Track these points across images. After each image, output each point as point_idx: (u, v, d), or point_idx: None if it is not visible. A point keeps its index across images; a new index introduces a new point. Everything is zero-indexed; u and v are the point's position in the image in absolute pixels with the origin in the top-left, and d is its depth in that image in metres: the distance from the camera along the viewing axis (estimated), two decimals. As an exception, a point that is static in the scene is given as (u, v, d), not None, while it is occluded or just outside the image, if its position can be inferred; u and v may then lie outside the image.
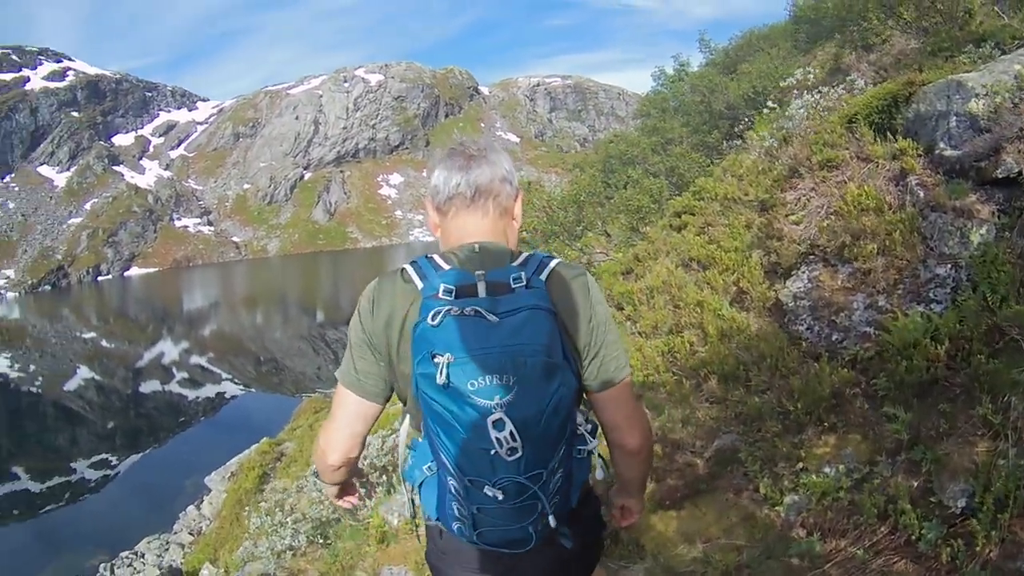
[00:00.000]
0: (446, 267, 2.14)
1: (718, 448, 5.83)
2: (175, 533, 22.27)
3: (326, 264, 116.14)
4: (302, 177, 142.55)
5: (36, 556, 26.15)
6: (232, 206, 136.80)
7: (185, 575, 16.62)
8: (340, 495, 2.73)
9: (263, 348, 62.94)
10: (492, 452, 1.91)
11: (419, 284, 2.10)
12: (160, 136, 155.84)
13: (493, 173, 2.32)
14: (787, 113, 10.43)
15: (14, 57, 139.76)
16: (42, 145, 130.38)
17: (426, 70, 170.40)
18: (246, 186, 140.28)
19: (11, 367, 62.67)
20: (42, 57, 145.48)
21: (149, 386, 52.57)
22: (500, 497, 1.98)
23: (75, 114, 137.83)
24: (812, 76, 12.96)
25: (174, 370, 56.53)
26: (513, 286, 2.04)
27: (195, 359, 59.76)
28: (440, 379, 1.88)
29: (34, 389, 56.40)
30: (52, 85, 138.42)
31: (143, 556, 21.37)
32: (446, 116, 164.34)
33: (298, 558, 9.75)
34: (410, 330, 2.04)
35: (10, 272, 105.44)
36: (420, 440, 2.28)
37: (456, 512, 2.11)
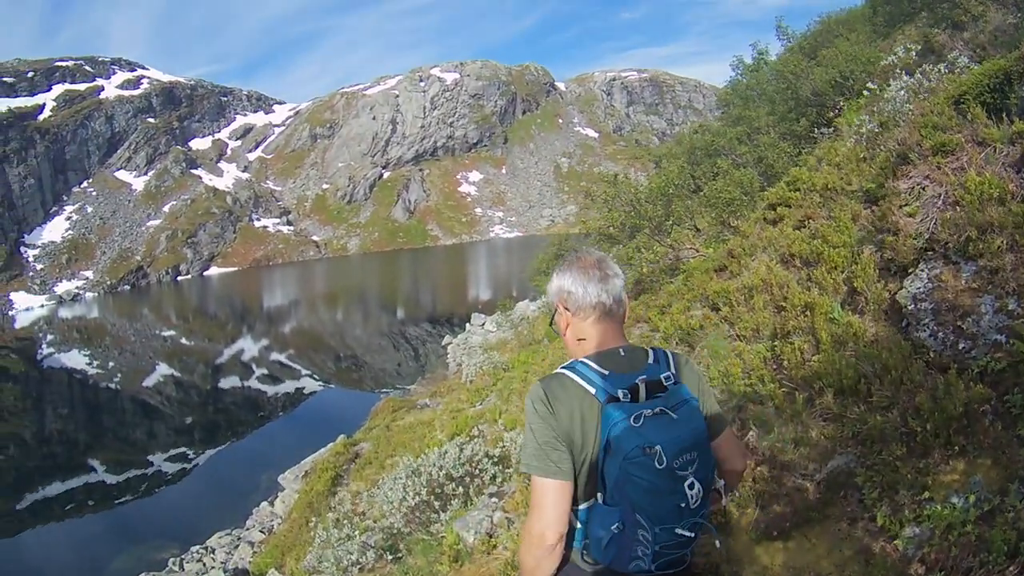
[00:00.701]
0: (604, 372, 2.77)
1: (831, 471, 5.28)
2: (247, 529, 22.71)
3: (406, 261, 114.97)
4: (381, 176, 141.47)
5: (108, 547, 26.32)
6: (311, 206, 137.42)
7: (253, 575, 16.52)
8: None
9: (343, 345, 62.35)
10: (683, 505, 2.63)
11: (591, 389, 2.74)
12: (237, 139, 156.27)
13: (621, 284, 2.98)
14: (886, 96, 10.11)
15: (87, 68, 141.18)
16: (119, 151, 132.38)
17: (501, 67, 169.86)
18: (325, 186, 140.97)
19: (90, 364, 63.05)
20: (115, 67, 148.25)
21: (228, 382, 52.62)
22: (687, 535, 2.68)
23: (151, 120, 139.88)
24: (913, 55, 12.07)
25: (253, 366, 56.31)
26: (665, 384, 2.76)
27: (275, 355, 59.29)
28: (660, 464, 2.56)
29: (112, 385, 56.65)
30: (127, 93, 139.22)
31: (213, 552, 21.85)
32: (523, 113, 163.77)
33: (365, 574, 9.56)
34: (592, 423, 2.71)
35: (89, 273, 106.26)
36: (585, 506, 2.82)
37: (639, 553, 2.70)
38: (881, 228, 7.01)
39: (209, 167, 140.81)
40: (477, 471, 10.52)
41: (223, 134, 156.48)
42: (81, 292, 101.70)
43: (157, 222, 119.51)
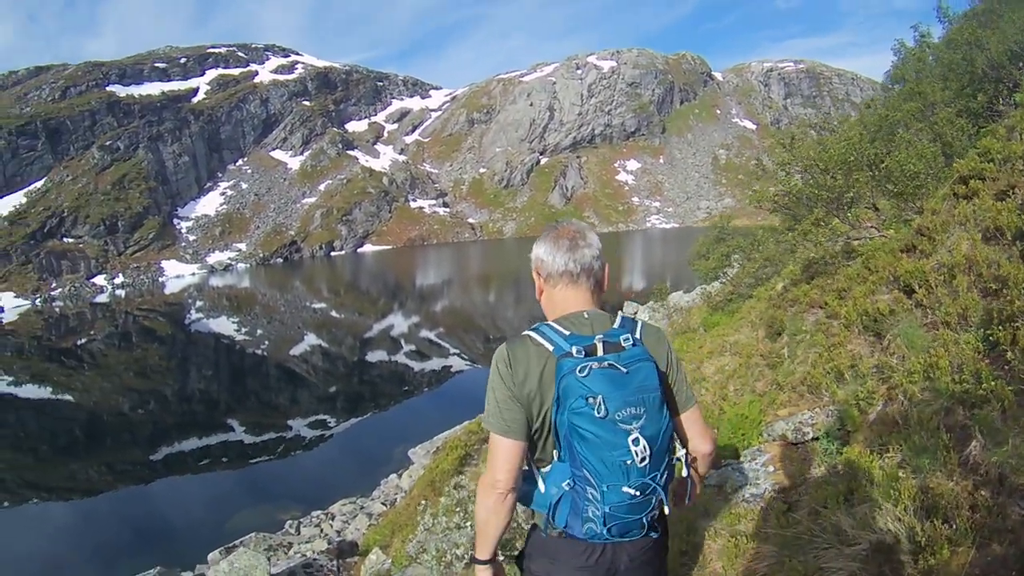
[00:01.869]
0: (566, 332, 2.86)
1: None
2: (371, 499, 22.63)
3: None
4: (538, 162, 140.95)
5: (235, 503, 26.94)
6: (468, 189, 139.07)
7: (359, 551, 15.11)
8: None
9: (493, 326, 61.49)
10: (628, 462, 2.67)
11: (549, 347, 2.81)
12: (394, 123, 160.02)
13: (592, 253, 3.01)
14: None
15: (240, 54, 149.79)
16: (274, 131, 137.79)
17: (658, 56, 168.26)
18: (482, 170, 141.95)
19: (237, 330, 64.97)
20: (269, 52, 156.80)
21: (375, 355, 52.42)
22: (635, 494, 2.71)
23: (306, 103, 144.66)
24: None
25: (402, 342, 56.06)
26: (623, 345, 2.80)
27: (424, 332, 59.47)
28: (599, 413, 2.63)
29: (259, 351, 57.78)
30: (281, 77, 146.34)
31: (332, 519, 21.82)
32: (681, 103, 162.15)
33: (470, 570, 7.92)
34: (551, 381, 2.78)
35: (242, 245, 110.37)
36: (548, 468, 2.95)
37: (590, 514, 2.77)
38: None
39: (365, 148, 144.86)
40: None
41: (379, 117, 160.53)
42: (233, 263, 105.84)
43: (312, 199, 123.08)
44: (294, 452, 33.58)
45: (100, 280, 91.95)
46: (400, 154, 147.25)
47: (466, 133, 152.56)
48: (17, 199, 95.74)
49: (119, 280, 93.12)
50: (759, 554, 4.85)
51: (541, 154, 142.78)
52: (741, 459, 6.73)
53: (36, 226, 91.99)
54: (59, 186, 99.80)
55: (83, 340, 65.66)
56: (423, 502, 14.73)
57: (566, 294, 3.00)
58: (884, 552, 3.92)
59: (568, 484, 2.80)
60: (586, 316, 2.92)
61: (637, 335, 2.89)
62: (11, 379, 51.95)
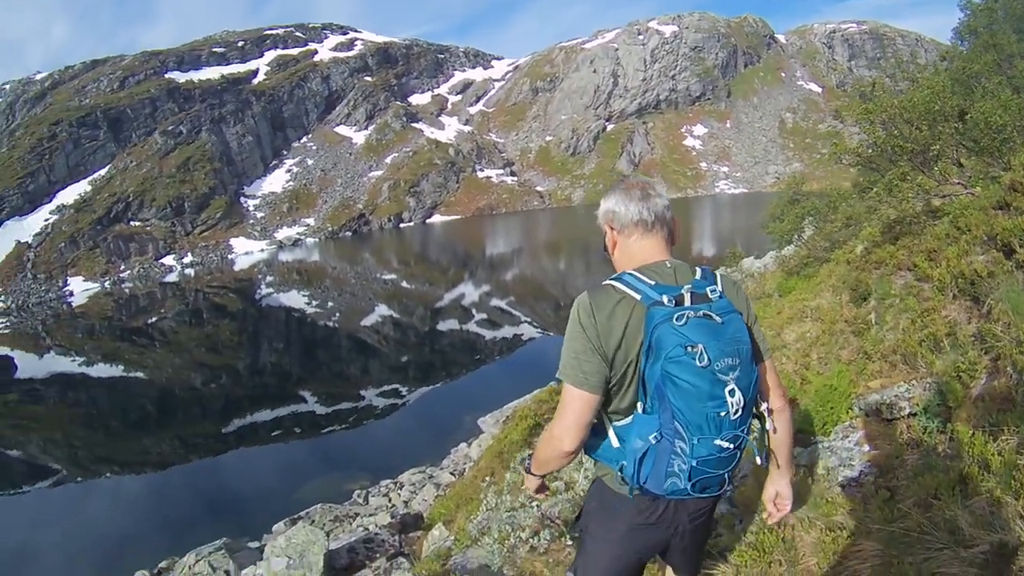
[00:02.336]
0: (651, 282, 2.79)
1: None
2: (440, 469, 22.52)
3: None
4: (604, 129, 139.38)
5: (305, 473, 27.52)
6: (535, 157, 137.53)
7: (423, 524, 14.62)
8: (541, 489, 3.42)
9: (564, 294, 61.03)
10: (722, 413, 2.62)
11: (636, 296, 2.74)
12: (457, 94, 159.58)
13: (663, 203, 3.01)
14: None
15: (298, 34, 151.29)
16: (337, 108, 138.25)
17: (720, 19, 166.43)
18: (548, 138, 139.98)
19: (308, 303, 66.03)
20: (327, 31, 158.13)
21: (446, 325, 53.70)
22: (726, 447, 2.67)
23: (368, 79, 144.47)
24: None
25: (473, 311, 57.14)
26: (710, 296, 2.77)
27: (495, 301, 60.03)
28: (701, 362, 2.56)
29: (330, 323, 59.05)
30: (341, 55, 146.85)
31: (401, 488, 21.94)
32: (745, 66, 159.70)
33: (535, 555, 7.28)
34: (638, 330, 2.70)
35: (310, 220, 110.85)
36: (626, 421, 2.88)
37: (676, 468, 2.70)
38: None
39: (430, 121, 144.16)
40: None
41: (442, 90, 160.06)
42: (302, 237, 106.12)
43: (379, 173, 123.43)
44: (364, 422, 34.16)
45: (169, 260, 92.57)
46: (465, 125, 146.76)
47: (530, 102, 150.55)
48: (82, 187, 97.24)
49: (188, 259, 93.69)
50: (861, 551, 4.17)
51: (607, 120, 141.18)
52: (831, 436, 6.14)
53: (102, 212, 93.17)
54: (123, 172, 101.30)
55: (153, 319, 67.14)
56: (487, 478, 14.72)
57: (643, 243, 2.99)
58: (1007, 557, 3.34)
59: (655, 437, 2.73)
60: (668, 265, 2.91)
61: (720, 287, 2.86)
62: (83, 359, 52.78)
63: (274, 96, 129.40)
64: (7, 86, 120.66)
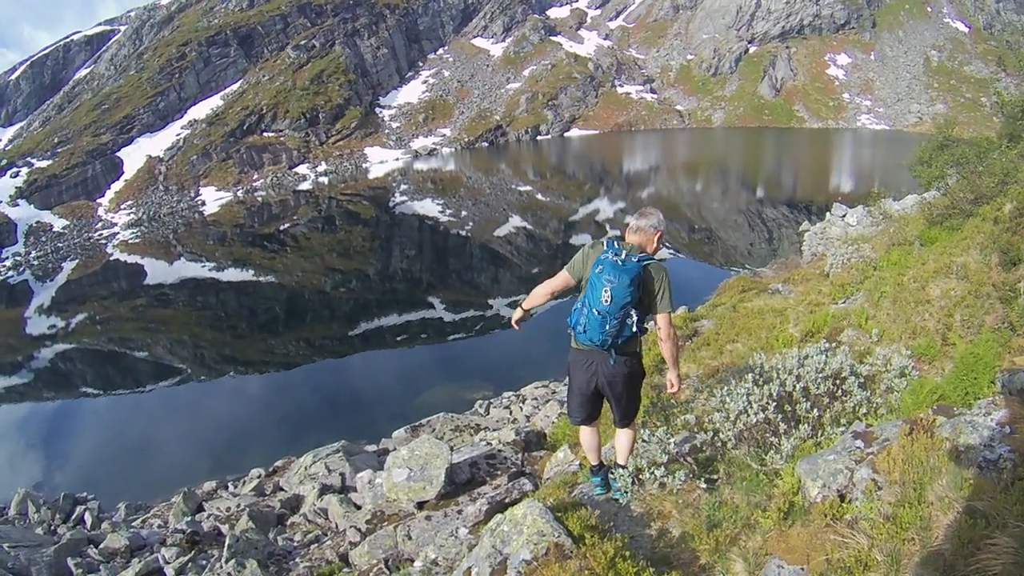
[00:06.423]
0: (618, 247, 5.83)
1: None
2: (565, 385, 20.82)
3: (771, 140, 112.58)
4: (746, 51, 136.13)
5: (428, 380, 28.73)
6: (675, 76, 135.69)
7: (547, 444, 14.40)
8: (522, 319, 6.81)
9: (698, 216, 62.94)
10: (599, 297, 5.73)
11: (605, 248, 5.88)
12: (597, 8, 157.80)
13: (648, 223, 6.04)
14: None
15: None
16: (474, 20, 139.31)
17: None
18: (689, 57, 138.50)
19: (442, 212, 67.57)
20: None
21: (580, 239, 53.95)
22: (597, 315, 5.76)
23: None
24: None
25: (607, 226, 58.83)
26: (634, 259, 5.76)
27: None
28: (597, 271, 5.80)
29: (462, 232, 60.49)
30: None
31: (523, 402, 22.17)
32: None
33: (665, 494, 7.01)
34: (594, 261, 5.87)
35: (446, 131, 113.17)
36: (581, 297, 6.04)
37: (582, 323, 5.92)
38: None
39: (569, 34, 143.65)
40: (839, 392, 7.61)
41: (581, 3, 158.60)
42: (437, 147, 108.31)
43: (517, 85, 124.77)
44: (490, 332, 36.05)
45: (303, 169, 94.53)
46: (605, 39, 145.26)
47: (672, 19, 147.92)
48: (213, 102, 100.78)
49: (322, 168, 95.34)
50: (995, 545, 3.87)
51: (749, 43, 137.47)
52: (974, 409, 5.63)
53: (235, 125, 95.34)
54: (255, 87, 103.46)
55: (286, 225, 69.23)
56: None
57: (629, 237, 6.16)
58: None
59: (577, 306, 6.07)
60: (630, 247, 5.95)
61: (642, 263, 5.83)
62: (212, 265, 55.46)
63: (408, 9, 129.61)
64: (131, 12, 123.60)
